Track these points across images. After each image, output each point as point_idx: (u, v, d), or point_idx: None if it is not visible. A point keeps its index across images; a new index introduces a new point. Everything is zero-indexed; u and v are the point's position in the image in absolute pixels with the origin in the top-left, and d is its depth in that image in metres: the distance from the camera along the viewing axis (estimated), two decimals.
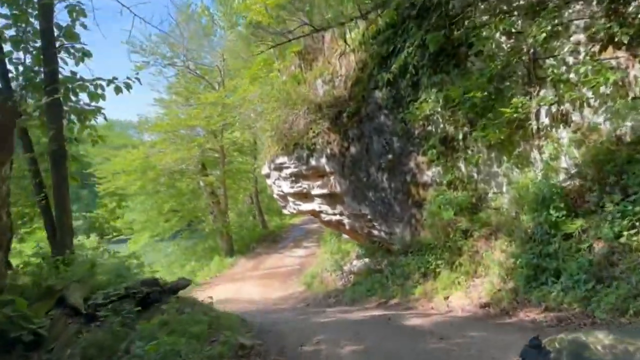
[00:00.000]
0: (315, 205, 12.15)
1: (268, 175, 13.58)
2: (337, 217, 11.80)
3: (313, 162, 11.37)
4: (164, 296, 6.22)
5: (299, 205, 12.67)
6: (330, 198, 11.55)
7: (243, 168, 26.28)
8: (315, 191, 11.65)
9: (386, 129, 9.62)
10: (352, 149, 10.66)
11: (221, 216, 23.37)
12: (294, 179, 12.11)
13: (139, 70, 19.90)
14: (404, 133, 9.17)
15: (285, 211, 14.30)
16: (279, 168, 12.39)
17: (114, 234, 21.82)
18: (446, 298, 7.66)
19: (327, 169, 11.16)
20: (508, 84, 7.03)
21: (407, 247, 9.39)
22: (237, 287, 16.08)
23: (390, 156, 9.57)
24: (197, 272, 20.18)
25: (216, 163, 24.99)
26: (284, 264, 20.57)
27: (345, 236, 13.89)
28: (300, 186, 12.04)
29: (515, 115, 6.70)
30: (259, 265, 20.84)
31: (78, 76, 8.00)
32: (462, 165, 8.12)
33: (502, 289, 6.67)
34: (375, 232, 10.70)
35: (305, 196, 12.29)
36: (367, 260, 10.81)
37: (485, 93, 7.12)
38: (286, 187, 12.51)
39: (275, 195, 14.24)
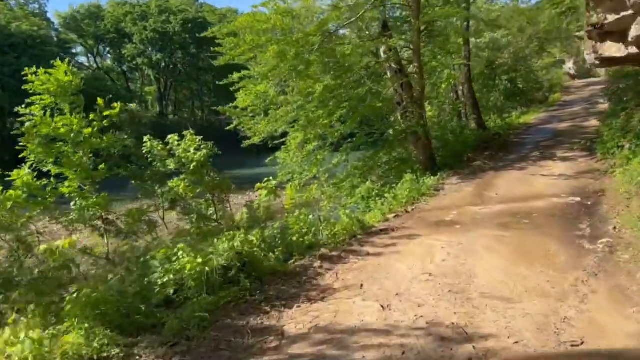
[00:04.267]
0: None
1: None
2: None
3: None
4: None
5: None
6: None
7: (450, 27, 15.52)
8: None
9: None
10: None
11: (415, 109, 13.81)
12: None
13: None
14: None
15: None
16: None
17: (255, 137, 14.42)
18: None
19: None
20: None
21: None
22: (449, 255, 6.75)
23: None
24: (375, 201, 11.51)
25: (405, 22, 15.08)
26: (540, 191, 10.66)
27: None
28: None
29: None
30: (485, 191, 11.19)
31: None
32: None
33: None
34: None
35: None
36: None
37: None
38: None
39: None
